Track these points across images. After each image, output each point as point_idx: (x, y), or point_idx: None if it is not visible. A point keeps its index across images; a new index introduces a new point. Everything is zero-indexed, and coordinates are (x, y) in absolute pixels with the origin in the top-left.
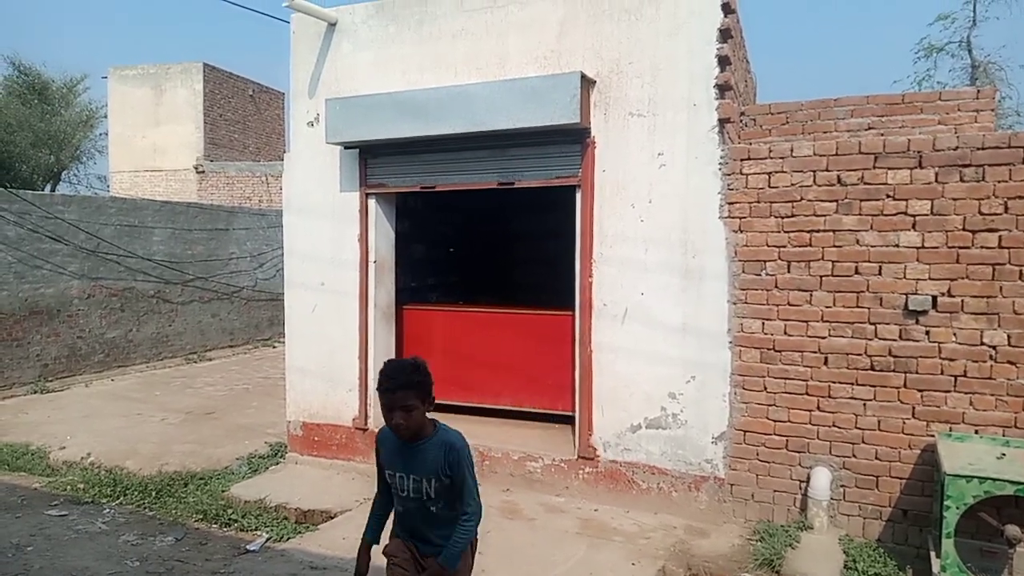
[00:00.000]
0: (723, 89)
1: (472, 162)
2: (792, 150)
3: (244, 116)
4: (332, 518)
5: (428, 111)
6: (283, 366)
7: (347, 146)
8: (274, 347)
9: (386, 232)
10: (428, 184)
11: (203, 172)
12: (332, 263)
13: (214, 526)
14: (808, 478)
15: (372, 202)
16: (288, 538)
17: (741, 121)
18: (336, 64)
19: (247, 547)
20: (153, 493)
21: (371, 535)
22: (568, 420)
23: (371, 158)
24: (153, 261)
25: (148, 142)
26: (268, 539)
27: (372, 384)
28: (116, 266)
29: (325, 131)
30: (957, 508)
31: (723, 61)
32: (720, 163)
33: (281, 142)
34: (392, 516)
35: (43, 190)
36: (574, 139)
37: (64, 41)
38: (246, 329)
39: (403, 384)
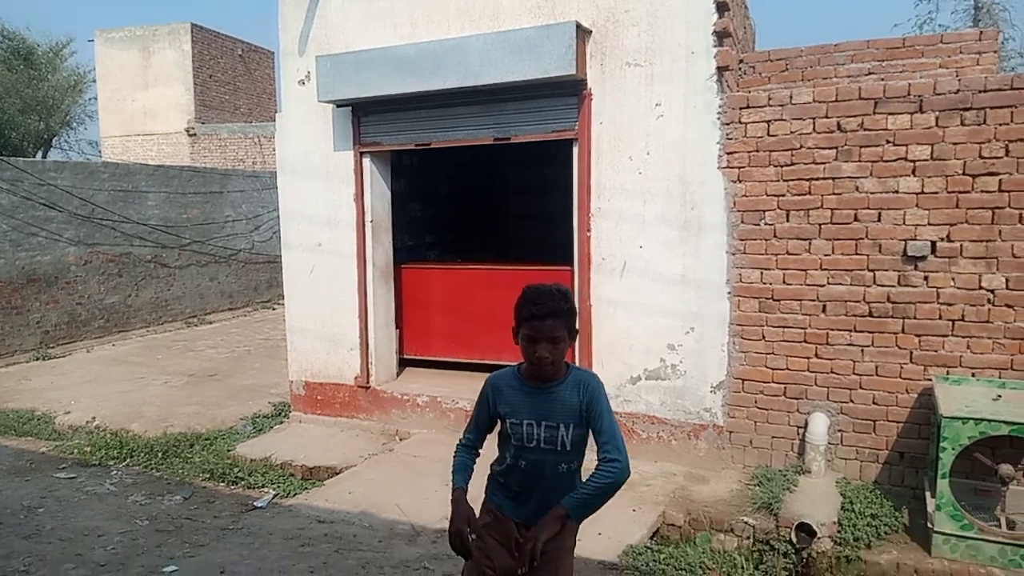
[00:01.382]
0: (721, 36)
1: (467, 117)
2: (791, 97)
3: (234, 77)
4: (337, 474)
5: (421, 66)
6: (283, 328)
7: (339, 104)
8: (273, 309)
9: (382, 191)
10: (423, 141)
11: (195, 135)
12: (328, 224)
13: (221, 484)
14: (806, 424)
15: (367, 161)
16: (295, 494)
17: (740, 69)
18: (326, 20)
19: (254, 503)
20: (159, 454)
21: (465, 482)
22: None
23: (364, 116)
24: (149, 226)
25: (138, 106)
26: (275, 495)
27: (373, 343)
28: (112, 232)
29: (317, 89)
30: (953, 449)
31: (721, 7)
32: (719, 112)
33: (273, 102)
34: (490, 476)
35: (34, 157)
36: (570, 91)
37: (46, 4)
38: (245, 292)
39: (552, 311)
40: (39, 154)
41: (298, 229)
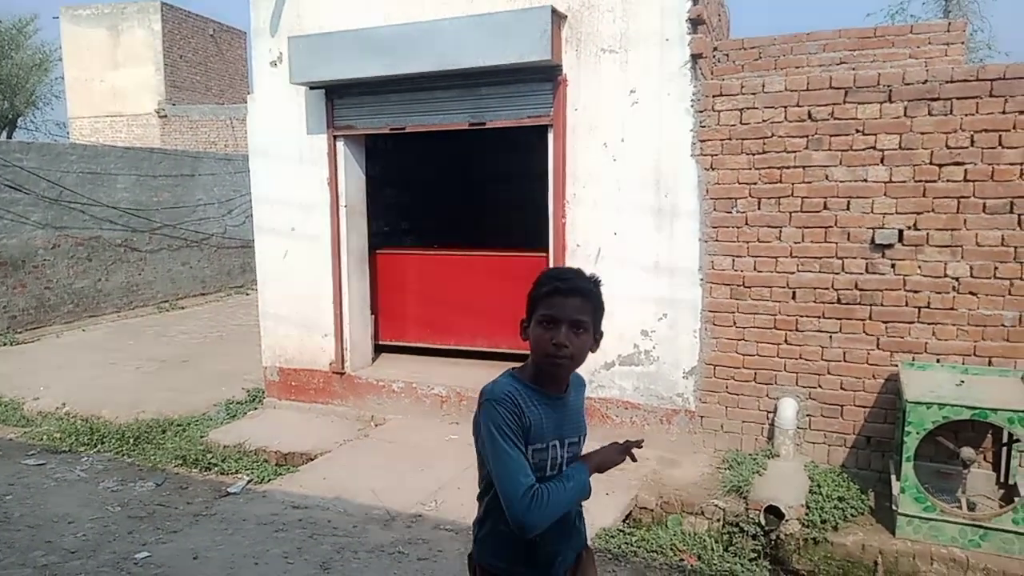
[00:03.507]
0: (696, 23)
1: (442, 102)
2: (764, 86)
3: (205, 57)
4: (312, 460)
5: (395, 49)
6: (257, 313)
7: (312, 86)
8: (247, 294)
9: (356, 175)
10: (397, 125)
11: (165, 116)
12: (302, 208)
13: (194, 471)
14: (775, 409)
15: (340, 144)
16: (269, 480)
17: (714, 57)
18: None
19: (228, 490)
20: (131, 440)
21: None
22: None
23: (338, 99)
24: (119, 209)
25: (107, 86)
26: (249, 481)
27: (347, 329)
28: (80, 215)
29: (289, 71)
30: (917, 433)
31: None
32: (692, 100)
33: (245, 84)
34: (491, 540)
35: None
36: (545, 77)
37: None
38: (218, 277)
39: (580, 289)
40: (3, 134)
41: (271, 213)
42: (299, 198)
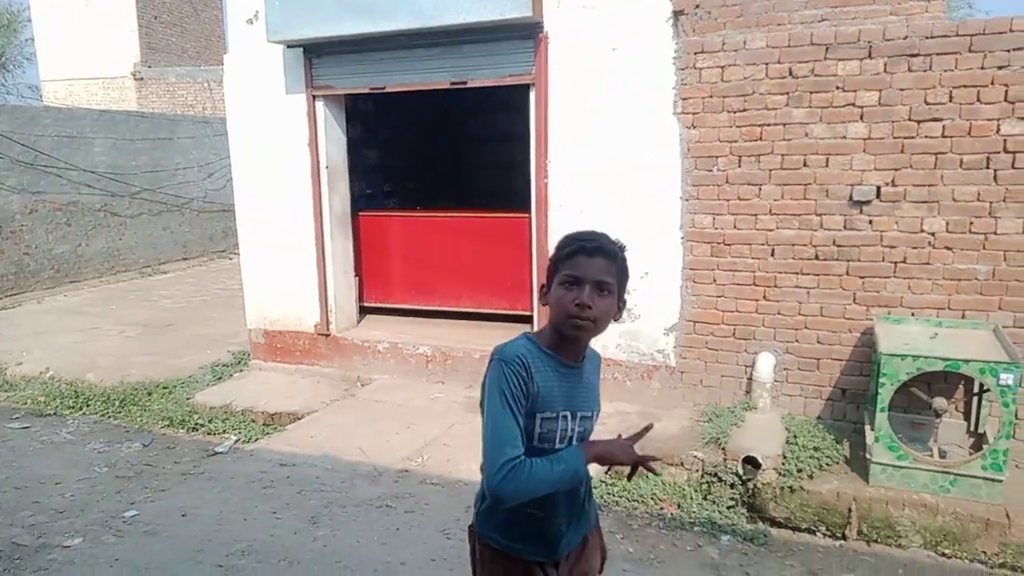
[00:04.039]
0: None
1: (423, 60)
2: (745, 42)
3: (181, 18)
4: (299, 419)
5: (374, 6)
6: (240, 277)
7: (290, 45)
8: (230, 259)
9: (337, 137)
10: (377, 85)
11: (142, 79)
12: (282, 170)
13: (181, 431)
14: (753, 363)
15: (320, 105)
16: (256, 439)
17: (695, 13)
18: None
19: (216, 449)
20: (116, 403)
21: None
22: (527, 320)
23: (316, 58)
24: (96, 173)
25: (80, 48)
26: (236, 441)
27: (332, 291)
28: (58, 179)
29: (266, 29)
30: (891, 384)
31: None
32: (674, 57)
33: (222, 46)
34: (491, 516)
35: None
36: (527, 34)
37: None
38: (200, 241)
39: (604, 249)
40: None
41: (251, 176)
42: (279, 160)
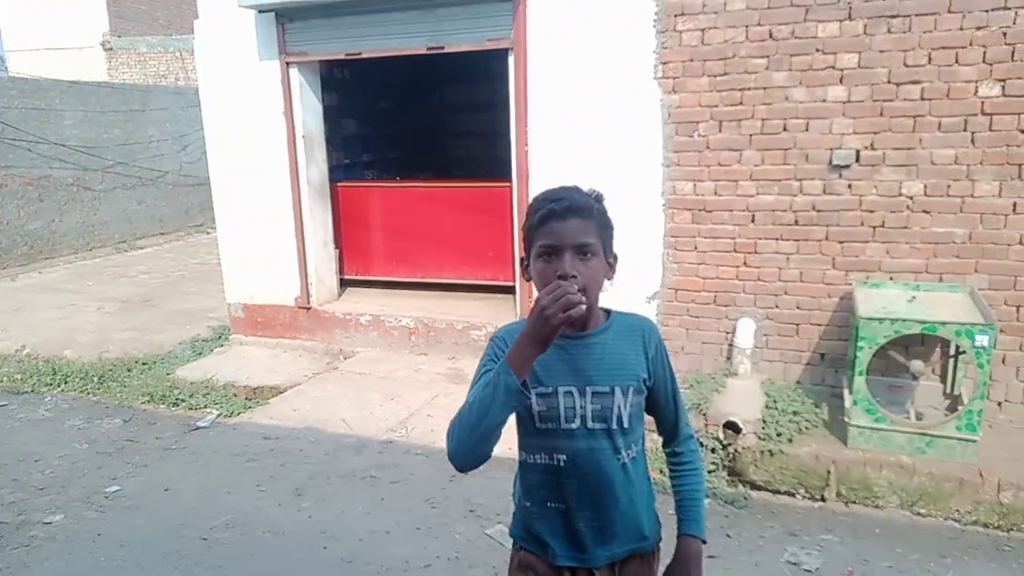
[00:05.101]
0: None
1: (400, 24)
2: (726, 4)
3: None
4: (282, 393)
5: None
6: (218, 252)
7: (261, 10)
8: (207, 233)
9: (313, 105)
10: (353, 51)
11: (111, 49)
12: (257, 140)
13: (162, 407)
14: (734, 329)
15: (294, 72)
16: (239, 413)
17: None
18: None
19: (198, 424)
20: (95, 379)
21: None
22: (510, 291)
23: (289, 23)
24: (68, 147)
25: (46, 16)
26: (218, 415)
27: (311, 263)
28: (27, 153)
29: None
30: (870, 348)
31: None
32: (655, 20)
33: (193, 13)
34: (519, 510)
35: None
36: None
37: None
38: (176, 216)
39: (577, 207)
40: None
41: (225, 146)
42: (254, 130)
